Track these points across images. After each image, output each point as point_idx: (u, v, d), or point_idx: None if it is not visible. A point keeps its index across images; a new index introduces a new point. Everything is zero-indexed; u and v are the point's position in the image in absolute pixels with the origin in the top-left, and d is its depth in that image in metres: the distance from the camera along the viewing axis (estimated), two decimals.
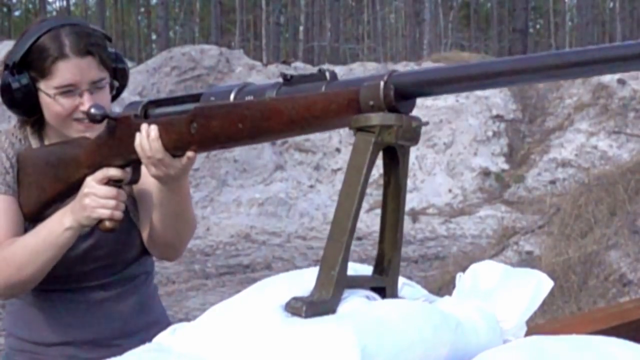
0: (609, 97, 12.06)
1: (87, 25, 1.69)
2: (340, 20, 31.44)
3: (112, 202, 1.51)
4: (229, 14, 37.82)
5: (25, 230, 1.66)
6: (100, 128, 1.55)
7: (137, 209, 1.76)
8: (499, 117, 12.43)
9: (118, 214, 1.53)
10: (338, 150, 12.05)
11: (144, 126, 1.42)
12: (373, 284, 1.05)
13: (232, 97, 1.24)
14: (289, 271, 1.12)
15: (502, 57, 1.04)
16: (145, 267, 1.85)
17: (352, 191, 0.99)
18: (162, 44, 22.91)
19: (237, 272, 8.50)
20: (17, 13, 41.92)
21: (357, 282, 1.03)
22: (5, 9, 40.41)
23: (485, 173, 11.82)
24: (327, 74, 1.11)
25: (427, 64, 13.83)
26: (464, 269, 1.13)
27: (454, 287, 1.12)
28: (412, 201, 10.99)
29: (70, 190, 1.59)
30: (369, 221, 9.48)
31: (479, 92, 12.02)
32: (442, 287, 6.07)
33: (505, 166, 12.01)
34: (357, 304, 0.98)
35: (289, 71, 12.25)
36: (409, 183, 9.52)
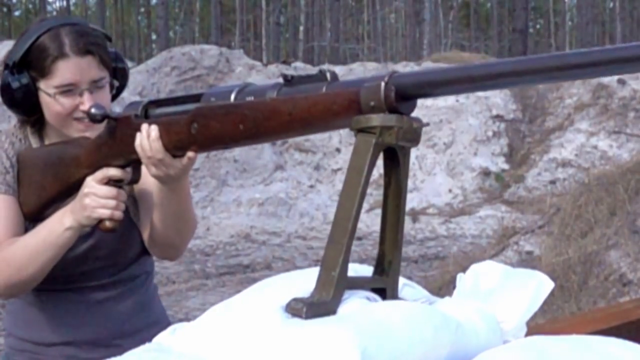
0: (609, 97, 12.06)
1: (87, 24, 1.69)
2: (340, 20, 31.43)
3: (113, 202, 1.51)
4: (229, 14, 37.83)
5: (26, 230, 1.66)
6: (100, 128, 1.55)
7: (138, 208, 1.76)
8: (499, 117, 12.43)
9: (118, 214, 1.53)
10: (338, 150, 12.05)
11: (144, 126, 1.42)
12: (373, 284, 1.05)
13: (232, 97, 1.24)
14: (289, 271, 1.12)
15: (503, 59, 1.04)
16: (145, 267, 1.85)
17: (352, 192, 0.99)
18: (162, 44, 22.91)
19: (237, 272, 8.50)
20: (17, 13, 41.93)
21: (358, 283, 1.03)
22: (5, 9, 40.41)
23: (485, 173, 11.82)
24: (328, 75, 1.11)
25: (427, 64, 13.83)
26: (464, 269, 1.13)
27: (454, 287, 1.12)
28: (412, 201, 10.99)
29: (70, 190, 1.59)
30: (369, 221, 9.47)
31: (479, 92, 12.01)
32: (442, 287, 6.07)
33: (505, 166, 12.00)
34: (357, 305, 0.98)
35: (289, 71, 12.26)
36: (409, 183, 9.52)
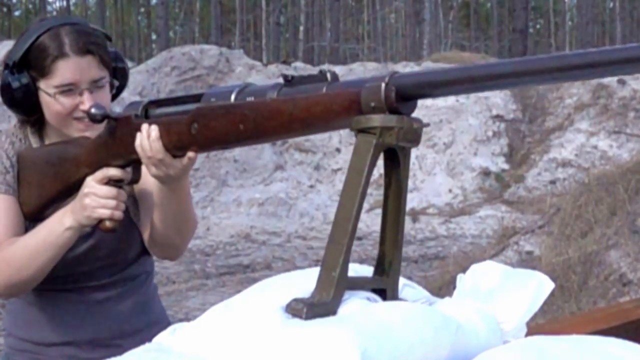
0: (609, 97, 12.06)
1: (87, 24, 1.69)
2: (340, 20, 31.42)
3: (113, 202, 1.51)
4: (229, 14, 37.82)
5: (26, 229, 1.66)
6: (100, 128, 1.55)
7: (138, 208, 1.76)
8: (499, 117, 12.43)
9: (118, 214, 1.53)
10: (338, 150, 12.05)
11: (144, 126, 1.41)
12: (374, 285, 1.04)
13: (233, 97, 1.24)
14: (289, 271, 1.12)
15: (503, 59, 1.04)
16: (145, 267, 1.85)
17: (353, 193, 0.99)
18: (162, 44, 22.90)
19: (237, 272, 8.50)
20: (17, 13, 41.93)
21: (358, 284, 1.03)
22: (5, 9, 40.41)
23: (485, 173, 11.82)
24: (328, 75, 1.11)
25: (427, 64, 13.83)
26: (464, 269, 1.13)
27: (454, 287, 1.12)
28: (412, 201, 10.99)
29: (70, 190, 1.59)
30: (369, 221, 9.47)
31: (479, 92, 11.99)
32: (442, 287, 6.07)
33: (505, 166, 12.00)
34: (357, 306, 0.98)
35: (289, 71, 12.26)
36: (409, 183, 9.52)
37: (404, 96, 1.01)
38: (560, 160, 11.62)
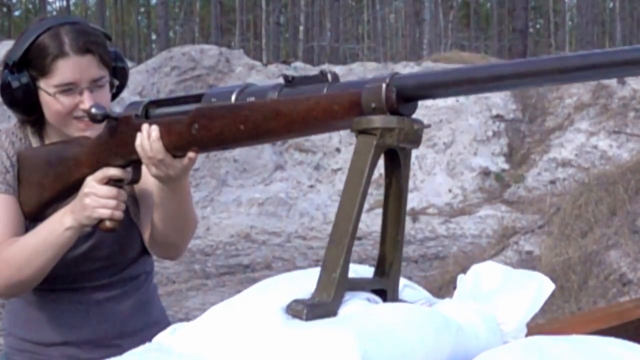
0: (609, 97, 12.06)
1: (87, 23, 1.68)
2: (340, 20, 31.43)
3: (113, 202, 1.51)
4: (229, 14, 37.83)
5: (26, 229, 1.65)
6: (100, 127, 1.55)
7: (138, 208, 1.76)
8: (499, 117, 12.43)
9: (118, 214, 1.53)
10: (338, 150, 12.05)
11: (145, 126, 1.41)
12: (374, 286, 1.04)
13: (233, 98, 1.24)
14: (289, 271, 1.12)
15: (505, 61, 1.04)
16: (145, 267, 1.85)
17: (353, 193, 0.99)
18: (162, 44, 22.91)
19: (237, 272, 8.50)
20: (17, 13, 41.93)
21: (358, 285, 1.03)
22: (5, 9, 40.41)
23: (485, 173, 11.82)
24: (329, 76, 1.11)
25: (427, 64, 13.83)
26: (464, 269, 1.13)
27: (454, 287, 1.11)
28: (412, 201, 10.99)
29: (70, 189, 1.59)
30: (369, 221, 9.48)
31: None
32: (442, 287, 6.07)
33: (505, 166, 12.01)
34: (358, 307, 0.98)
35: (289, 71, 12.26)
36: (409, 183, 9.53)
37: (405, 97, 1.01)
38: (560, 160, 11.62)
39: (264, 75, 12.49)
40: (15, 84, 1.63)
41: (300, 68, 13.33)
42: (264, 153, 11.60)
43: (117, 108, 1.73)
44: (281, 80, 1.17)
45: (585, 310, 5.05)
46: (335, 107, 1.06)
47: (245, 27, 36.21)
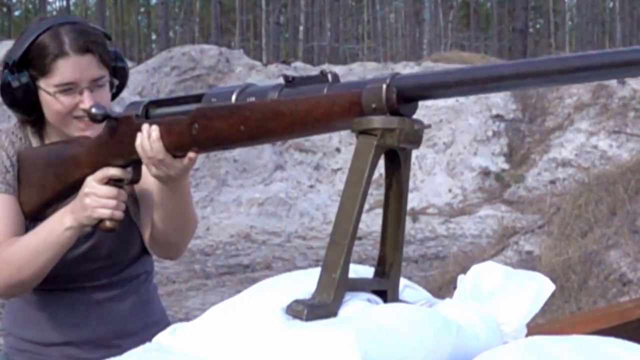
0: (609, 97, 12.06)
1: (87, 23, 1.68)
2: (340, 20, 31.43)
3: (113, 202, 1.51)
4: (229, 14, 37.84)
5: (26, 229, 1.65)
6: (100, 127, 1.55)
7: (138, 208, 1.76)
8: (499, 117, 12.43)
9: (118, 214, 1.53)
10: (338, 150, 12.05)
11: (145, 126, 1.41)
12: (374, 286, 1.04)
13: (233, 98, 1.24)
14: (289, 271, 1.12)
15: (505, 61, 1.05)
16: (145, 267, 1.85)
17: (353, 194, 0.98)
18: (162, 44, 22.92)
19: (237, 272, 8.50)
20: (17, 13, 41.93)
21: (359, 285, 1.02)
22: (5, 9, 40.41)
23: (485, 173, 11.82)
24: (329, 76, 1.10)
25: (427, 64, 13.83)
26: (464, 269, 1.13)
27: (454, 287, 1.11)
28: (412, 201, 10.99)
29: (70, 189, 1.59)
30: (369, 221, 9.47)
31: None
32: (442, 287, 6.07)
33: (505, 166, 12.01)
34: (358, 308, 0.98)
35: (289, 71, 12.25)
36: (409, 183, 9.53)
37: (405, 98, 1.01)
38: (560, 160, 11.62)
39: (264, 75, 12.49)
40: (15, 84, 1.63)
41: (300, 68, 13.33)
42: (264, 153, 11.60)
43: (117, 108, 1.73)
44: (281, 81, 1.17)
45: (585, 310, 5.05)
46: (336, 108, 1.06)
47: (245, 27, 36.21)
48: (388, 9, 37.93)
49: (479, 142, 12.11)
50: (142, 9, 42.38)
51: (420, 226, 10.58)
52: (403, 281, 1.09)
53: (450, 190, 11.63)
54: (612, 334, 1.01)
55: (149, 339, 1.03)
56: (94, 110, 1.49)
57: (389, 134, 0.99)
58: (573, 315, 4.37)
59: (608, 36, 38.87)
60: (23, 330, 1.78)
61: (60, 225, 1.56)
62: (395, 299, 1.06)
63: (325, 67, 14.76)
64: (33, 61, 1.62)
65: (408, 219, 10.63)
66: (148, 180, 1.58)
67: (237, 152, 11.17)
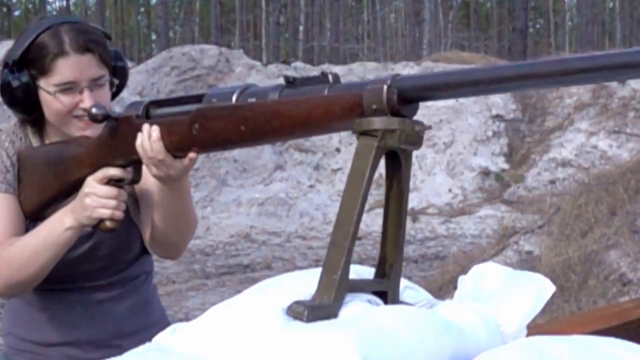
0: (609, 97, 12.06)
1: (87, 23, 1.68)
2: (340, 20, 31.43)
3: (113, 202, 1.51)
4: (229, 14, 37.83)
5: (26, 229, 1.65)
6: (100, 127, 1.55)
7: (138, 208, 1.76)
8: (499, 117, 12.43)
9: (119, 214, 1.53)
10: (338, 150, 12.05)
11: (145, 127, 1.41)
12: (375, 287, 1.04)
13: (234, 98, 1.24)
14: (289, 271, 1.12)
15: (506, 62, 1.04)
16: (145, 267, 1.85)
17: (354, 195, 0.98)
18: (162, 44, 22.92)
19: (237, 272, 8.50)
20: (17, 13, 41.93)
21: (359, 286, 1.02)
22: (5, 9, 40.41)
23: (485, 173, 11.82)
24: (330, 77, 1.10)
25: (427, 64, 13.82)
26: (463, 269, 1.13)
27: (454, 286, 1.12)
28: (412, 201, 10.99)
29: (70, 189, 1.59)
30: (369, 221, 9.47)
31: None
32: (442, 287, 6.07)
33: (505, 166, 12.01)
34: (359, 309, 0.97)
35: (289, 71, 12.25)
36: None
37: (406, 99, 1.00)
38: (560, 160, 11.62)
39: (264, 75, 12.49)
40: (15, 83, 1.63)
41: (300, 68, 13.33)
42: (264, 153, 11.60)
43: (117, 108, 1.73)
44: (282, 81, 1.17)
45: (585, 310, 5.05)
46: (336, 109, 1.06)
47: (245, 27, 36.20)
48: (388, 9, 37.93)
49: (479, 142, 12.11)
50: (142, 9, 42.39)
51: (420, 226, 10.58)
52: (403, 282, 1.08)
53: (450, 190, 11.63)
54: (612, 334, 1.01)
55: (149, 339, 1.03)
56: (94, 110, 1.49)
57: (390, 135, 0.98)
58: (573, 315, 4.36)
59: (608, 36, 38.87)
60: (23, 330, 1.78)
61: (60, 225, 1.56)
62: (395, 300, 1.05)
63: (325, 67, 14.76)
64: (33, 60, 1.62)
65: (408, 219, 10.61)
66: (148, 180, 1.58)
67: (237, 152, 11.17)
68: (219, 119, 1.26)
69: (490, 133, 12.25)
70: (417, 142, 1.01)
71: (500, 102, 12.49)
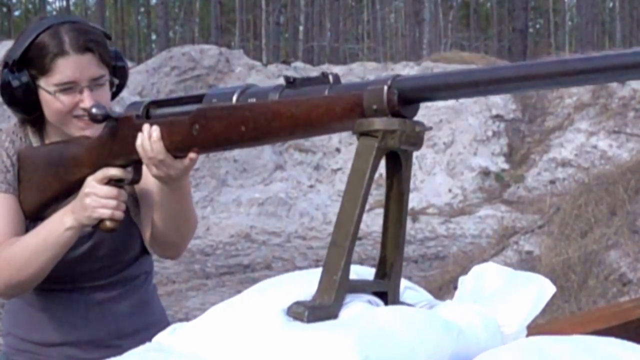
0: (608, 97, 12.06)
1: (87, 23, 1.68)
2: (340, 20, 31.44)
3: (113, 202, 1.51)
4: (229, 14, 37.83)
5: (26, 229, 1.65)
6: (100, 126, 1.55)
7: (139, 208, 1.76)
8: (499, 117, 12.43)
9: (119, 214, 1.53)
10: (338, 150, 12.05)
11: (145, 127, 1.41)
12: (375, 288, 1.04)
13: (234, 99, 1.24)
14: (289, 271, 1.12)
15: (506, 63, 1.04)
16: (145, 267, 1.85)
17: (354, 195, 0.98)
18: (162, 44, 22.92)
19: (237, 272, 8.50)
20: (17, 13, 41.94)
21: (359, 287, 1.02)
22: (5, 9, 40.41)
23: (485, 173, 11.82)
24: (330, 77, 1.10)
25: (427, 64, 13.83)
26: (464, 269, 1.13)
27: (454, 286, 1.12)
28: (412, 201, 10.99)
29: (70, 189, 1.59)
30: (369, 221, 9.47)
31: None
32: (442, 287, 6.07)
33: (505, 166, 12.01)
34: (359, 310, 0.97)
35: (289, 71, 12.25)
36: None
37: (407, 99, 1.00)
38: (560, 160, 11.62)
39: (264, 76, 12.49)
40: (15, 83, 1.63)
41: (300, 68, 13.33)
42: (264, 153, 11.60)
43: (117, 108, 1.73)
44: (282, 81, 1.17)
45: (585, 310, 5.05)
46: (337, 109, 1.06)
47: (245, 27, 36.20)
48: (388, 9, 37.93)
49: (478, 142, 12.11)
50: (142, 9, 42.39)
51: (420, 226, 10.58)
52: (404, 282, 1.08)
53: (450, 190, 11.63)
54: (612, 334, 1.01)
55: (149, 339, 1.03)
56: (94, 110, 1.49)
57: (390, 135, 0.98)
58: (573, 315, 4.36)
59: (608, 36, 38.88)
60: (23, 331, 1.78)
61: (60, 225, 1.56)
62: (396, 300, 1.05)
63: (325, 67, 14.76)
64: (33, 60, 1.62)
65: (408, 219, 10.60)
66: (148, 180, 1.58)
67: (237, 152, 11.17)
68: (220, 119, 1.26)
69: (490, 133, 12.25)
70: (418, 143, 1.01)
71: (500, 102, 12.49)
